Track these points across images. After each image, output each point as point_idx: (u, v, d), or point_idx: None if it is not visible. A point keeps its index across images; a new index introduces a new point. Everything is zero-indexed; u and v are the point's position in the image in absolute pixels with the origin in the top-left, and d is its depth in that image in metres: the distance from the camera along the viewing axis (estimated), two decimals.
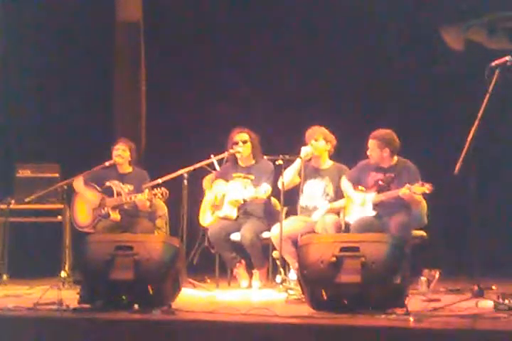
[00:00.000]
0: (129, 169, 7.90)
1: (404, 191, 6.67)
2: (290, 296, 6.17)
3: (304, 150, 7.23)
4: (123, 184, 7.75)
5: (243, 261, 7.41)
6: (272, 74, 9.24)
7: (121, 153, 7.79)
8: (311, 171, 7.43)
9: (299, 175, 7.25)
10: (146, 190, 7.39)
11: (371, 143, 7.02)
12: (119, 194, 7.62)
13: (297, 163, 7.26)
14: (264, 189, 7.38)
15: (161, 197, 7.26)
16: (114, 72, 9.74)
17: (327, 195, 7.36)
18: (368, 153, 7.05)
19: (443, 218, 8.07)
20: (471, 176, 5.24)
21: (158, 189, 7.26)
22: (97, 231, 7.53)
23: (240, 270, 7.39)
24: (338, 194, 7.30)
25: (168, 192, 7.26)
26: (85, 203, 7.80)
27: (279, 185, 7.07)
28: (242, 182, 7.52)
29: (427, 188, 6.57)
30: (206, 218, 7.63)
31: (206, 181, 7.75)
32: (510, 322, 4.75)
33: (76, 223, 7.85)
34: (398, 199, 6.81)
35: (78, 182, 7.81)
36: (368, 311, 5.05)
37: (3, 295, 6.43)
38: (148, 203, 7.53)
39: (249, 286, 7.30)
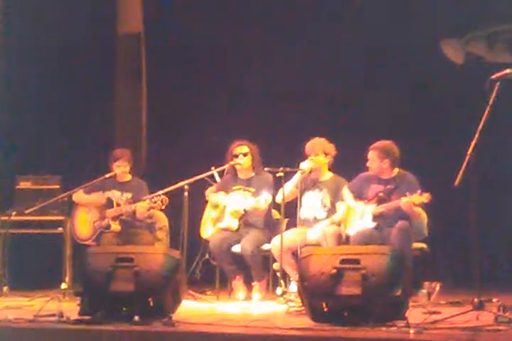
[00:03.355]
0: (128, 177, 7.92)
1: (405, 200, 6.68)
2: (290, 308, 6.17)
3: (303, 166, 7.25)
4: (122, 193, 7.77)
5: (242, 274, 7.40)
6: (272, 84, 9.25)
7: (124, 170, 7.83)
8: (310, 183, 7.44)
9: (298, 188, 7.26)
10: (147, 200, 7.39)
11: (371, 154, 7.05)
12: (118, 205, 7.64)
13: (296, 177, 7.28)
14: (265, 198, 7.32)
15: (160, 204, 7.29)
16: (115, 83, 9.76)
17: (324, 206, 7.37)
18: (368, 164, 7.08)
19: (444, 230, 8.07)
20: (471, 188, 5.24)
21: (158, 197, 7.28)
22: (101, 244, 7.51)
23: (237, 282, 7.38)
24: (335, 205, 7.31)
25: (167, 199, 7.28)
26: (86, 216, 7.81)
27: (278, 199, 7.10)
28: (243, 193, 7.54)
29: (425, 197, 6.58)
30: (207, 230, 7.63)
31: (209, 192, 7.75)
32: (511, 335, 4.74)
33: (77, 236, 7.85)
34: (398, 211, 6.82)
35: (79, 195, 7.83)
36: (368, 323, 5.04)
37: (4, 307, 6.42)
38: (146, 213, 7.54)
39: (247, 299, 7.28)
